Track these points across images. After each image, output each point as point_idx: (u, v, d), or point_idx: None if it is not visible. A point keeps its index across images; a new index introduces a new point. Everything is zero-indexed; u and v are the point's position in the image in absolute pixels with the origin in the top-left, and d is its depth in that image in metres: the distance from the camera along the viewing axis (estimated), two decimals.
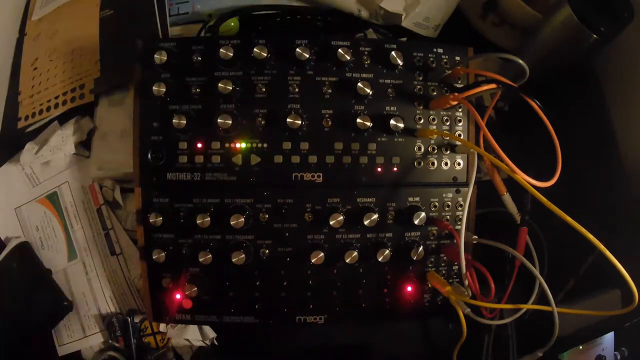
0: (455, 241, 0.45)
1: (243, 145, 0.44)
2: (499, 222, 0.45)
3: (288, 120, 0.42)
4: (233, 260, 0.43)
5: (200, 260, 0.43)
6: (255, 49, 0.43)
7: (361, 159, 0.45)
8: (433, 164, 0.46)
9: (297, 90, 0.44)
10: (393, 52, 0.43)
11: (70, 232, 0.56)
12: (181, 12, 0.56)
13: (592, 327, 0.49)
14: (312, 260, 0.43)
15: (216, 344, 0.53)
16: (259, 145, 0.44)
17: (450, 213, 0.46)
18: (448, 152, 0.46)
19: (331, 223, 0.43)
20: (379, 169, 0.45)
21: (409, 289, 0.46)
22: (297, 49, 0.43)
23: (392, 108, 0.45)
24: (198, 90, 0.44)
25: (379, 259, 0.44)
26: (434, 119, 0.45)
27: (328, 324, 0.47)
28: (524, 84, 0.42)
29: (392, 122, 0.43)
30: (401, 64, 0.44)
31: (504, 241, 0.41)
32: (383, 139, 0.45)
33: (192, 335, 0.52)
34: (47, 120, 0.58)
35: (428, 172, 0.46)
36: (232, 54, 0.43)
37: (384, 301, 0.47)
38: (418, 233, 0.46)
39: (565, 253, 0.49)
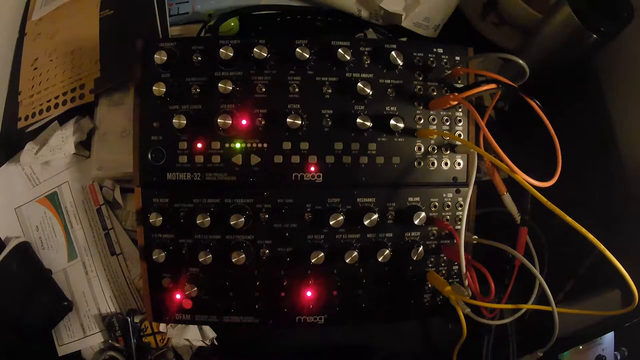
0: (455, 241, 0.45)
1: (243, 145, 0.44)
2: (499, 222, 0.45)
3: (288, 120, 0.42)
4: (233, 260, 0.43)
5: (200, 260, 0.43)
6: (255, 49, 0.43)
7: (361, 159, 0.45)
8: (433, 164, 0.46)
9: (297, 90, 0.44)
10: (393, 52, 0.43)
11: (70, 232, 0.56)
12: (181, 12, 0.56)
13: (592, 327, 0.49)
14: (312, 260, 0.43)
15: (216, 344, 0.53)
16: (259, 145, 0.44)
17: (450, 213, 0.46)
18: (448, 152, 0.46)
19: (331, 223, 0.43)
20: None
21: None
22: (297, 49, 0.43)
23: (392, 108, 0.45)
24: (198, 90, 0.44)
25: (379, 259, 0.44)
26: (434, 119, 0.45)
27: (328, 324, 0.47)
28: (524, 84, 0.42)
29: (392, 122, 0.43)
30: (401, 64, 0.44)
31: (504, 241, 0.41)
32: (383, 139, 0.45)
33: (192, 335, 0.52)
34: (47, 120, 0.58)
35: (428, 172, 0.46)
36: (232, 54, 0.43)
37: (384, 301, 0.47)
38: (418, 233, 0.46)
39: (565, 253, 0.49)
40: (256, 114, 0.44)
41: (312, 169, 0.44)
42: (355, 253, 0.44)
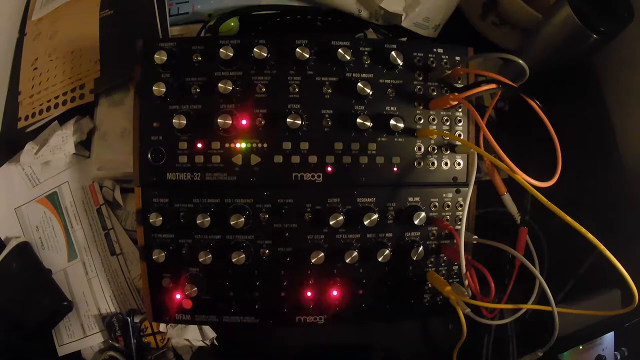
0: (455, 241, 0.45)
1: (243, 145, 0.44)
2: (499, 222, 0.45)
3: (288, 120, 0.42)
4: (233, 260, 0.43)
5: (200, 260, 0.43)
6: (255, 49, 0.43)
7: (361, 159, 0.45)
8: (433, 164, 0.46)
9: (297, 90, 0.44)
10: (393, 52, 0.43)
11: (70, 232, 0.56)
12: (181, 12, 0.56)
13: (592, 327, 0.49)
14: (312, 260, 0.43)
15: (216, 344, 0.53)
16: (259, 145, 0.44)
17: (450, 213, 0.46)
18: (448, 152, 0.46)
19: (331, 223, 0.43)
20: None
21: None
22: (297, 49, 0.43)
23: (392, 108, 0.45)
24: (198, 90, 0.44)
25: (379, 259, 0.44)
26: (434, 119, 0.45)
27: (328, 324, 0.47)
28: (524, 84, 0.42)
29: (392, 122, 0.43)
30: (401, 64, 0.44)
31: (504, 241, 0.41)
32: (383, 139, 0.45)
33: (192, 335, 0.52)
34: (47, 120, 0.58)
35: (428, 172, 0.46)
36: (232, 54, 0.43)
37: (384, 301, 0.47)
38: (418, 233, 0.46)
39: (565, 253, 0.49)
40: (256, 114, 0.44)
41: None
42: (355, 253, 0.44)
